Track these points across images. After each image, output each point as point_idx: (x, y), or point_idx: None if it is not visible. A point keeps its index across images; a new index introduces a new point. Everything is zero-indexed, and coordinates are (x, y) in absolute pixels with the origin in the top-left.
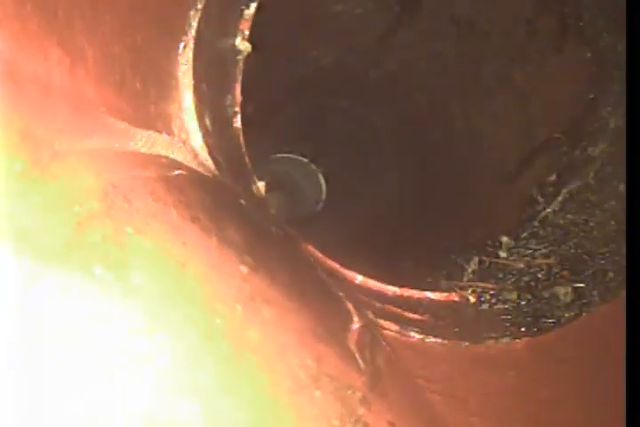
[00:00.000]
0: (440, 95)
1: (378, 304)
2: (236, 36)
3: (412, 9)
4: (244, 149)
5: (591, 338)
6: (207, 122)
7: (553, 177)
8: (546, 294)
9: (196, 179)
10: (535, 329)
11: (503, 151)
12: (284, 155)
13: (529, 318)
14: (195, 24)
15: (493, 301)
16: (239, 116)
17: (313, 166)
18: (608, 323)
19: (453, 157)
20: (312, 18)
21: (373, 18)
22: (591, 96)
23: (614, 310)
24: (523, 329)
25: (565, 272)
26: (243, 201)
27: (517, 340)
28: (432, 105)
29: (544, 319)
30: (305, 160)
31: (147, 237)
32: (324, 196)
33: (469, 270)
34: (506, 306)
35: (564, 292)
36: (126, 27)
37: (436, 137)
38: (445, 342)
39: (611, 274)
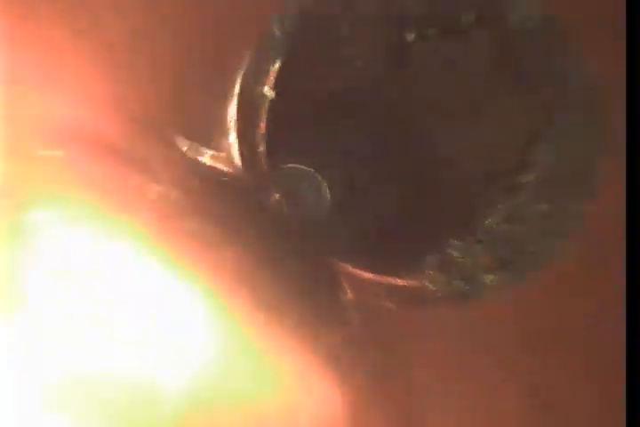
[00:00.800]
0: (429, 122)
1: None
2: (264, 86)
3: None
4: (265, 167)
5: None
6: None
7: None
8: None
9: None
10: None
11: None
12: (292, 165)
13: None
14: (238, 84)
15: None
16: (264, 144)
17: (319, 177)
18: None
19: (435, 175)
20: (324, 63)
21: (371, 64)
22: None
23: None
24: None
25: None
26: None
27: None
28: (422, 131)
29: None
30: (311, 171)
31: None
32: (328, 203)
33: (429, 263)
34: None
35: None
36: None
37: (421, 159)
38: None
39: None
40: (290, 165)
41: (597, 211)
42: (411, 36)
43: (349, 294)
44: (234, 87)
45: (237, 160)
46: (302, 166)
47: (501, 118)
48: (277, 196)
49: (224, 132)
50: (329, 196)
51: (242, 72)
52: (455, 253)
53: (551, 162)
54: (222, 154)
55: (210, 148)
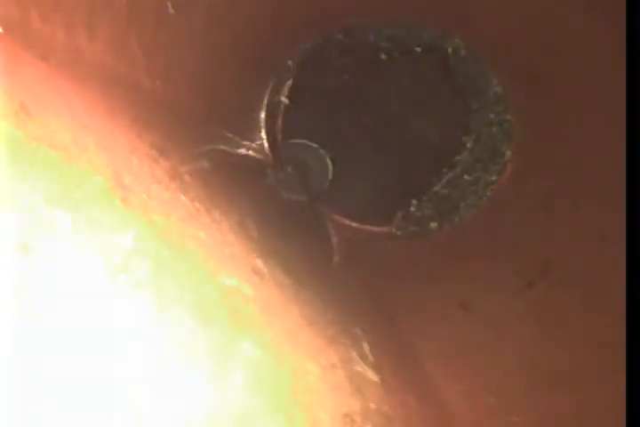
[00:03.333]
0: (399, 117)
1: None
2: (281, 95)
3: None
4: (282, 149)
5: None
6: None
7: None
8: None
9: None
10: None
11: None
12: (299, 141)
13: None
14: (266, 97)
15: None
16: (281, 131)
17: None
18: None
19: (403, 155)
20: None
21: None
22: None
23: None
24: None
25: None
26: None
27: None
28: (395, 123)
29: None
30: (315, 146)
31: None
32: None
33: (397, 216)
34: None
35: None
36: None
37: (395, 143)
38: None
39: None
40: (299, 141)
41: (598, 210)
42: (384, 56)
43: (336, 237)
44: (264, 98)
45: (267, 147)
46: (309, 142)
47: (443, 116)
48: (290, 168)
49: (258, 129)
50: (331, 166)
51: (268, 89)
52: (413, 209)
53: (474, 147)
54: (258, 143)
55: (245, 140)
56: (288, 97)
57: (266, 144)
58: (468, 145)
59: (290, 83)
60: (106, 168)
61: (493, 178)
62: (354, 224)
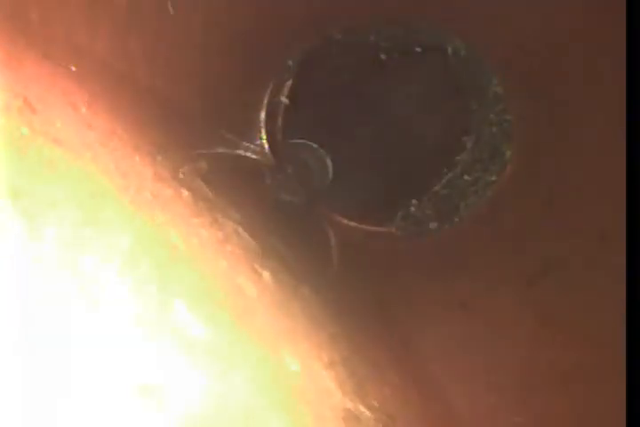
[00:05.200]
0: (399, 118)
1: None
2: (281, 95)
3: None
4: (283, 149)
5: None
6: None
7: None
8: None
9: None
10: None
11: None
12: (299, 141)
13: None
14: (266, 97)
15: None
16: (281, 131)
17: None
18: None
19: (403, 155)
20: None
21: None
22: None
23: None
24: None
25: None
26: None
27: None
28: (395, 123)
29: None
30: (315, 146)
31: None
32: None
33: (397, 216)
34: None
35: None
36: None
37: (395, 143)
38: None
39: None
40: (299, 141)
41: (598, 210)
42: (384, 56)
43: (336, 237)
44: (264, 98)
45: (267, 147)
46: (309, 142)
47: (443, 116)
48: (290, 169)
49: (258, 130)
50: (331, 166)
51: (268, 89)
52: (413, 209)
53: (474, 147)
54: (257, 143)
55: (245, 140)
56: (288, 97)
57: (266, 144)
58: (468, 145)
59: (290, 83)
60: (109, 165)
61: (493, 178)
62: (353, 224)
